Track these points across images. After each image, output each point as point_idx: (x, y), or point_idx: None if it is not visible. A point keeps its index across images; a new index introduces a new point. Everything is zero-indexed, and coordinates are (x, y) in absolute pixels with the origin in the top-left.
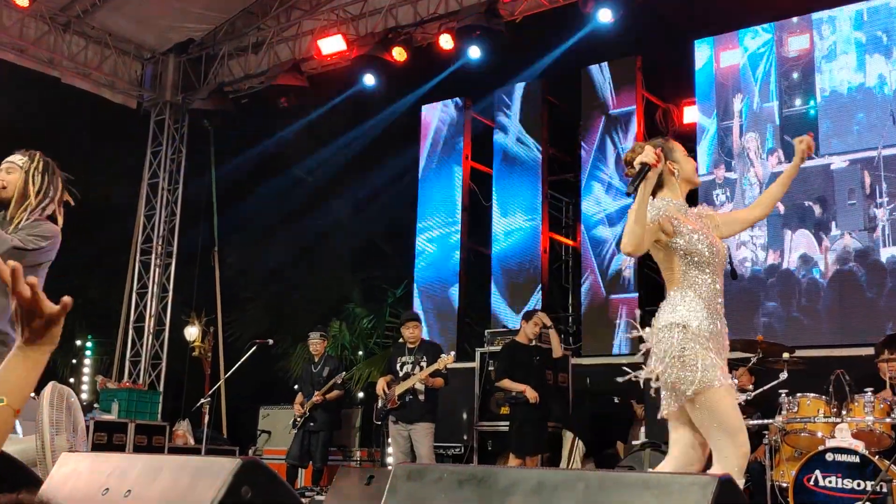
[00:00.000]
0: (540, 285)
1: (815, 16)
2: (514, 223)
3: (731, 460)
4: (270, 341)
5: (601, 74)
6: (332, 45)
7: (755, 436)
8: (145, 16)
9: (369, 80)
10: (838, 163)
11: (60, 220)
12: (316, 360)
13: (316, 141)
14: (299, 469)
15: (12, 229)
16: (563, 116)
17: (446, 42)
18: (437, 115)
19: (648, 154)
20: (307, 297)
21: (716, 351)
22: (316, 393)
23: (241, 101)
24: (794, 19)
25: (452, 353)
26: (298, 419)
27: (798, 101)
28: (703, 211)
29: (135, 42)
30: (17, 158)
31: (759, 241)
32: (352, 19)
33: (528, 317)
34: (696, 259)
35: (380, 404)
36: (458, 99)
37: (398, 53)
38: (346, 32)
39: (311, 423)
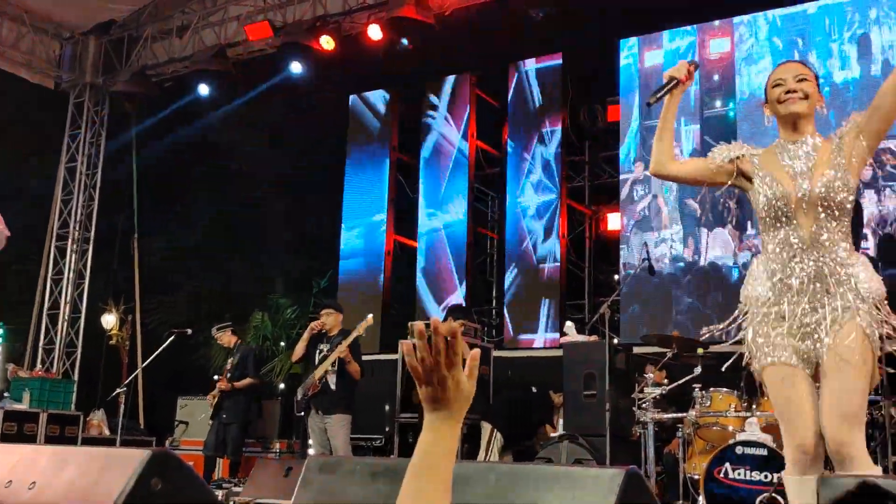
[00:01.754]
0: (465, 278)
1: (736, 19)
2: (441, 216)
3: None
4: (189, 331)
5: (528, 70)
6: (258, 31)
7: (670, 429)
8: None
9: (296, 67)
10: None
11: None
12: (233, 349)
13: (241, 128)
14: (217, 460)
15: None
16: (491, 111)
17: (375, 32)
18: (365, 106)
19: (680, 68)
20: (229, 286)
21: (785, 322)
22: (220, 379)
23: (165, 84)
24: (716, 22)
25: (370, 315)
26: (210, 407)
27: (718, 103)
28: (839, 131)
29: (53, 21)
30: None
31: (678, 238)
32: (279, 6)
33: (455, 314)
34: (762, 216)
35: (299, 396)
36: (386, 90)
37: (326, 42)
38: (274, 19)
39: (224, 415)
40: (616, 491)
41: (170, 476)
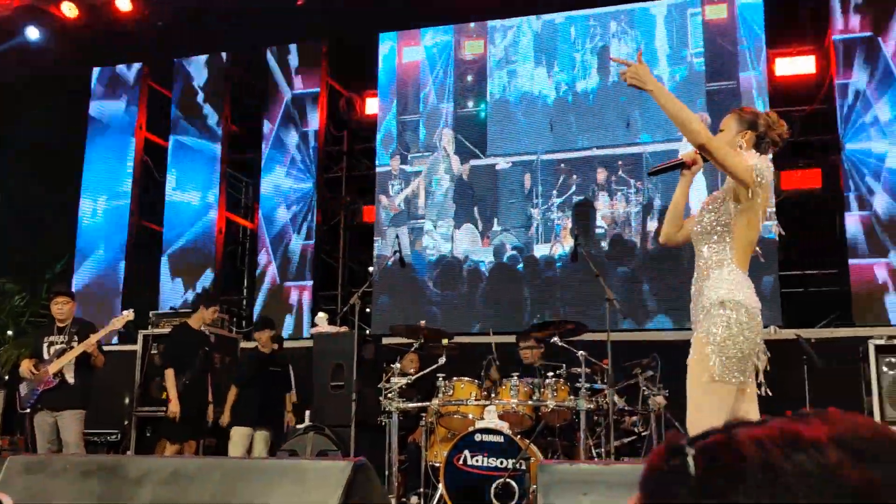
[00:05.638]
0: (214, 266)
1: (491, 23)
2: (190, 201)
3: None
4: None
5: (287, 55)
6: None
7: (415, 419)
8: None
9: (33, 33)
10: (502, 164)
11: None
12: None
13: None
14: None
15: None
16: (247, 94)
17: (124, 3)
18: (110, 80)
19: (690, 152)
20: None
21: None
22: None
23: None
24: (472, 24)
25: (130, 310)
26: None
27: (471, 103)
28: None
29: None
30: None
31: (428, 231)
32: None
33: (209, 303)
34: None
35: (24, 391)
36: (135, 65)
37: (69, 9)
38: None
39: None
40: (344, 483)
41: None
